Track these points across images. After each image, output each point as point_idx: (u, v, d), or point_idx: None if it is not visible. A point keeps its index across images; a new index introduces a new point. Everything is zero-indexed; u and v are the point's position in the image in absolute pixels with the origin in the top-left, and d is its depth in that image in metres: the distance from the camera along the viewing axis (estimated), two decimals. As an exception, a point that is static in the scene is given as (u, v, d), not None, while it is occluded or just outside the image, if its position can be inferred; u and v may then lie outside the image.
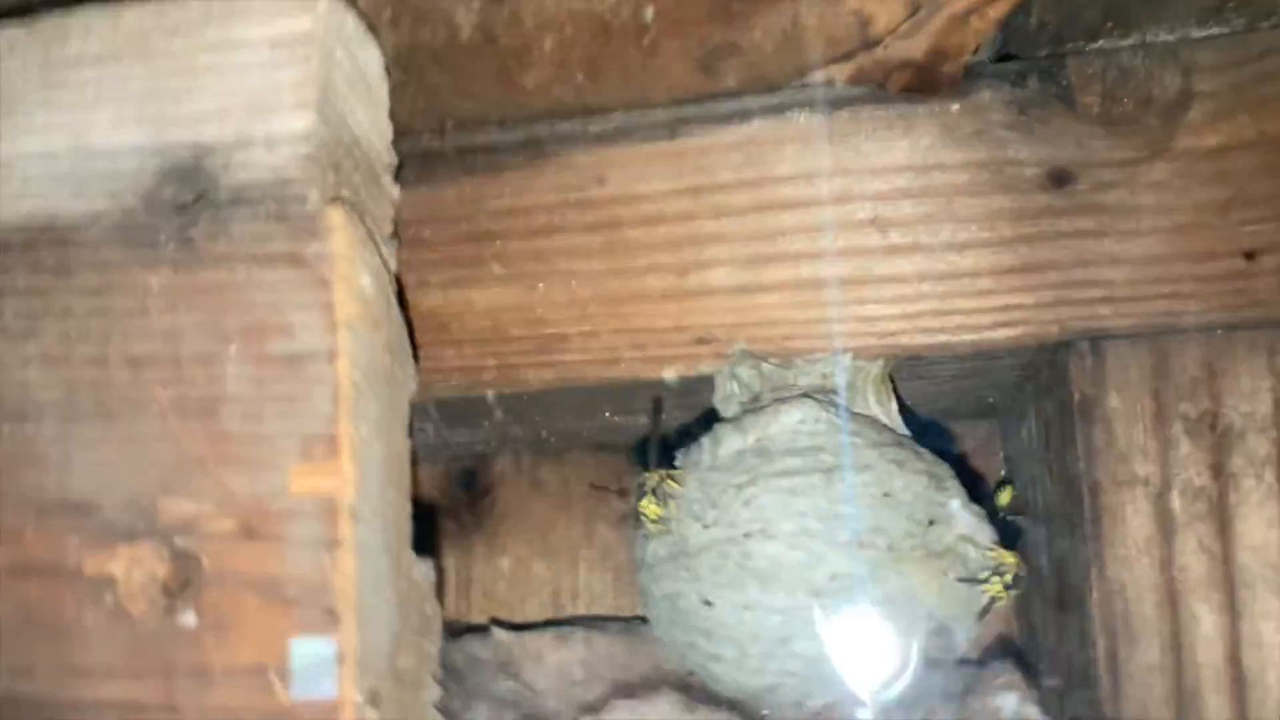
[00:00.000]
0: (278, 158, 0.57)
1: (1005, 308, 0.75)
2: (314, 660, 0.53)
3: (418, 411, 0.65)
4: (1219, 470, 0.71)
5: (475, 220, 0.82)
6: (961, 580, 0.67)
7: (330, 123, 0.58)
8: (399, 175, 0.80)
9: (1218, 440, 0.71)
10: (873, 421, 0.73)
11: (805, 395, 0.72)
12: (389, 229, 0.64)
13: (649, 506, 0.71)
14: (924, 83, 0.73)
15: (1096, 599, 0.71)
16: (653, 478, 0.72)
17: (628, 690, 0.84)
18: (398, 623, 0.59)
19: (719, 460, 0.72)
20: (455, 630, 1.08)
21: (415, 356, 0.65)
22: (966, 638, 0.69)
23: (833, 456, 0.67)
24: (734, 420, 0.73)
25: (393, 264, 0.64)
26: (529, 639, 1.00)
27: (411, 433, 0.63)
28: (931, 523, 0.67)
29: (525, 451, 1.17)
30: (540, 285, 0.81)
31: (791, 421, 0.70)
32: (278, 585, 0.54)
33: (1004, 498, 0.85)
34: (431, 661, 0.63)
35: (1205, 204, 0.73)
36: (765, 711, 0.71)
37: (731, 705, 0.81)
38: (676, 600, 0.69)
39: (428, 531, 1.15)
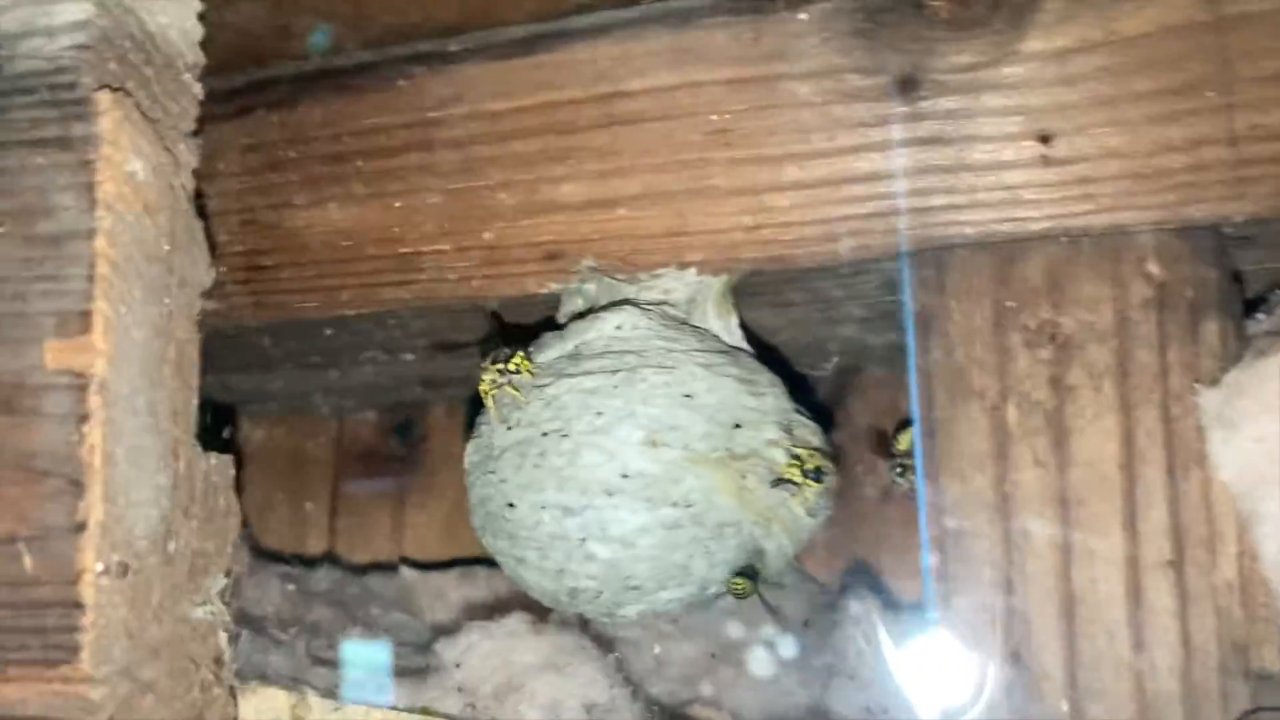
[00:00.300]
0: (55, 46, 0.58)
1: (847, 218, 0.73)
2: (57, 530, 0.54)
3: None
4: (1057, 382, 0.68)
5: (338, 141, 0.83)
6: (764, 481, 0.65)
7: (112, 14, 0.59)
8: (268, 97, 0.81)
9: (1057, 352, 0.69)
10: (700, 331, 0.72)
11: (629, 303, 0.71)
12: (189, 125, 0.65)
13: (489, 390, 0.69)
14: (760, -14, 0.72)
15: (930, 515, 0.69)
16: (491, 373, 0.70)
17: (484, 612, 0.83)
18: (169, 507, 0.59)
19: (537, 366, 0.71)
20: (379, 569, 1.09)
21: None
22: (781, 549, 0.67)
23: (639, 359, 0.66)
24: (559, 329, 0.72)
25: (192, 160, 0.64)
26: (434, 577, 1.01)
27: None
28: (737, 425, 0.66)
29: (459, 402, 1.18)
30: (397, 204, 0.81)
31: (609, 328, 0.69)
32: (30, 458, 0.55)
33: (904, 441, 0.83)
34: (223, 554, 0.64)
35: (1050, 108, 0.70)
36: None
37: (583, 625, 0.80)
38: (486, 504, 0.68)
39: (362, 474, 1.17)
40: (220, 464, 0.64)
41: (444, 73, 0.81)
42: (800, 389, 0.79)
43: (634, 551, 0.64)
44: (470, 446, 0.70)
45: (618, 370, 0.66)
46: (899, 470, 0.77)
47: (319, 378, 1.11)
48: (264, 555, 1.03)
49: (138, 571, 0.56)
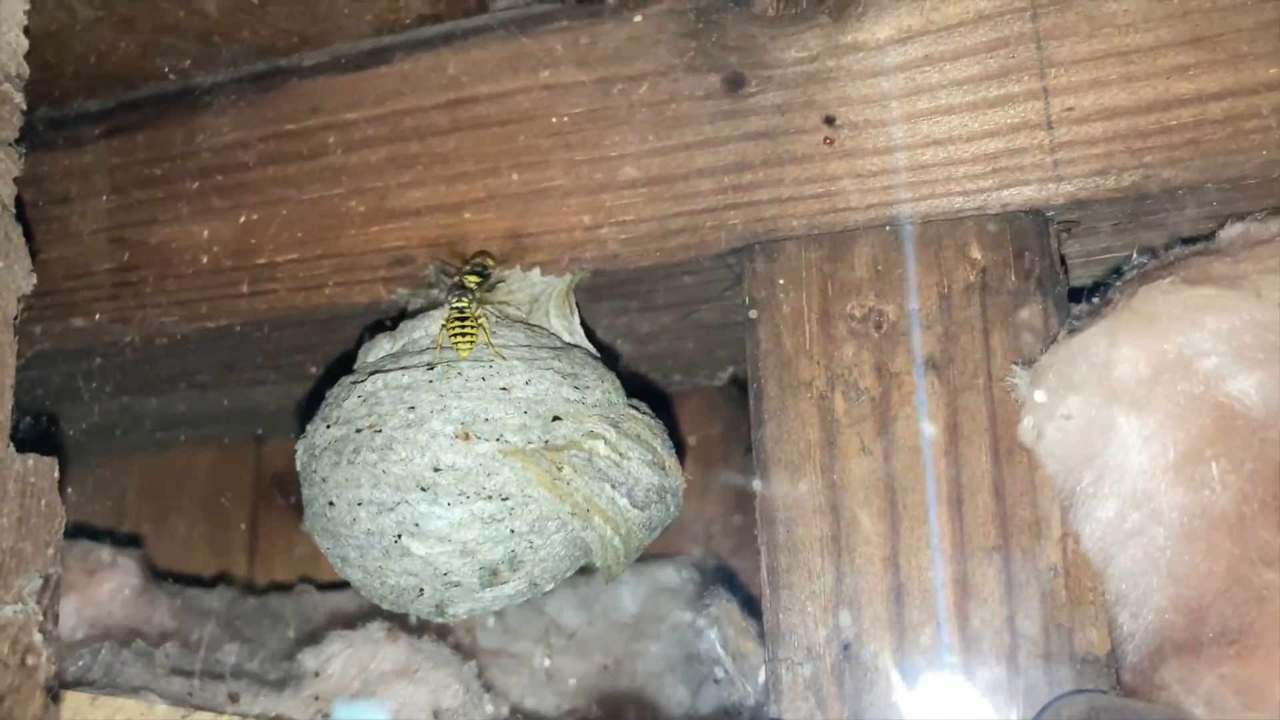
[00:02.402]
0: None
1: (681, 214, 0.73)
2: None
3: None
4: (882, 370, 0.68)
5: (199, 156, 0.84)
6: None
7: (-79, 25, 0.61)
8: (134, 117, 0.83)
9: (882, 340, 0.68)
10: (534, 329, 0.72)
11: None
12: (9, 133, 0.66)
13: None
14: (586, -12, 0.73)
15: (760, 507, 0.69)
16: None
17: (347, 621, 0.83)
18: (-25, 505, 0.60)
19: (364, 364, 0.72)
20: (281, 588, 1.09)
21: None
22: (606, 541, 0.67)
23: (456, 354, 0.67)
24: (391, 329, 0.73)
25: (13, 168, 0.66)
26: (332, 596, 1.00)
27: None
28: (556, 418, 0.66)
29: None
30: (254, 216, 0.82)
31: (435, 326, 0.70)
32: None
33: None
34: (41, 555, 0.64)
35: (872, 98, 0.70)
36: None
37: (440, 633, 0.80)
38: (312, 504, 0.69)
39: (281, 495, 1.17)
40: (41, 466, 0.65)
41: (298, 86, 0.82)
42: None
43: (450, 546, 0.64)
44: (299, 446, 0.70)
45: (434, 365, 0.66)
46: None
47: (231, 398, 1.12)
48: (159, 574, 1.03)
49: (-69, 568, 0.56)
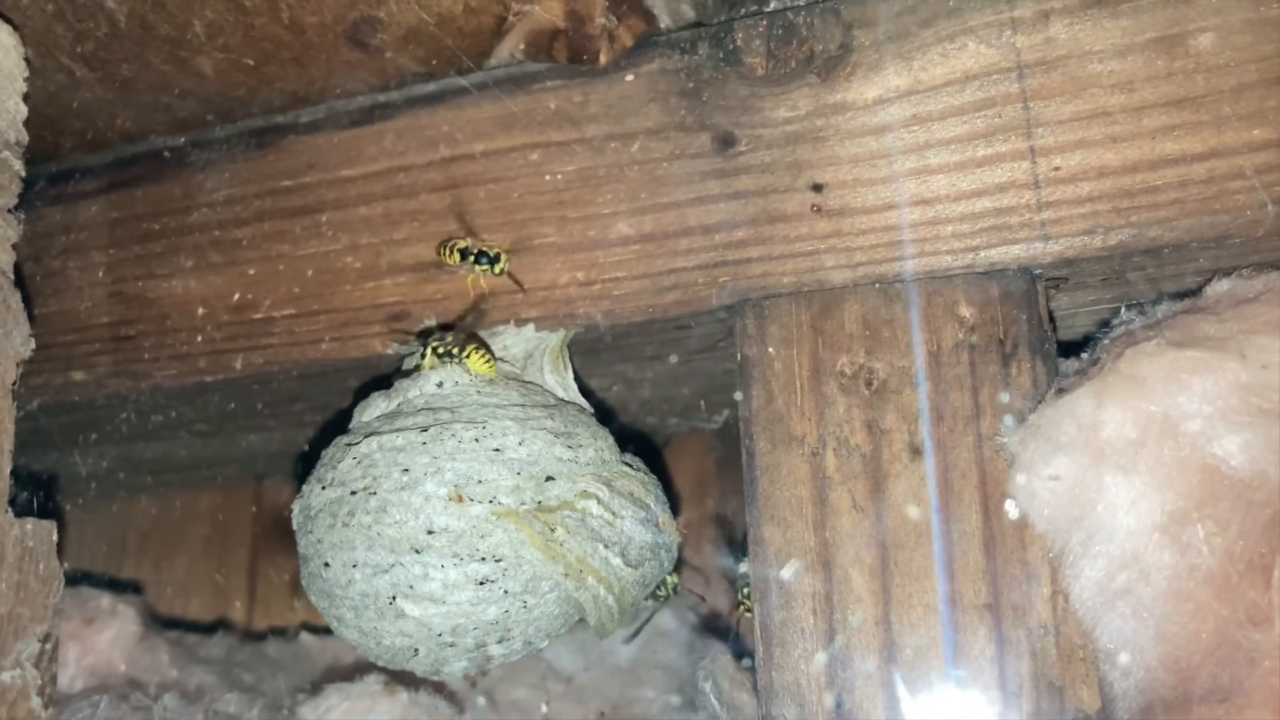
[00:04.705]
0: None
1: (673, 271, 0.74)
2: None
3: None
4: (873, 427, 0.69)
5: (196, 212, 0.85)
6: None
7: (-80, 97, 0.62)
8: (133, 173, 0.84)
9: (872, 397, 0.69)
10: (528, 386, 0.73)
11: (455, 359, 0.72)
12: (8, 200, 0.67)
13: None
14: (575, 51, 0.74)
15: (753, 563, 0.69)
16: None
17: (345, 674, 0.84)
18: (-29, 572, 0.60)
19: (359, 424, 0.72)
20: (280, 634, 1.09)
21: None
22: (599, 600, 0.67)
23: (451, 415, 0.67)
24: (387, 389, 0.73)
25: (11, 234, 0.66)
26: (330, 644, 1.01)
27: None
28: (550, 478, 0.66)
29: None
30: (251, 272, 0.83)
31: (430, 385, 0.71)
32: None
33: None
34: (40, 619, 0.65)
35: (860, 158, 0.71)
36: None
37: (437, 687, 0.80)
38: (308, 564, 0.69)
39: (279, 540, 1.18)
40: (39, 530, 0.65)
41: (295, 143, 0.83)
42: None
43: (444, 608, 0.65)
44: (295, 507, 0.71)
45: (428, 427, 0.67)
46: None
47: (230, 445, 1.13)
48: (158, 620, 1.03)
49: (-72, 637, 0.57)
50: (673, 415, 1.08)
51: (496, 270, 0.73)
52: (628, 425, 1.06)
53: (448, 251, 0.74)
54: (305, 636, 1.04)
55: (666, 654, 0.96)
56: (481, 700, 0.93)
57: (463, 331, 0.71)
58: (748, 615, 0.74)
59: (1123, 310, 0.70)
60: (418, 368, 0.73)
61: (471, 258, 0.73)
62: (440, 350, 0.71)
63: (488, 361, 0.69)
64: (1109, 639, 0.62)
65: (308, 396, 0.91)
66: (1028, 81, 0.69)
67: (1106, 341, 0.67)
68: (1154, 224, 0.66)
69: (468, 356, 0.70)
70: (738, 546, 0.85)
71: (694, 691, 0.78)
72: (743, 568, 0.76)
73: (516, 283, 0.74)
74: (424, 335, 0.76)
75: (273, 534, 1.22)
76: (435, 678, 0.69)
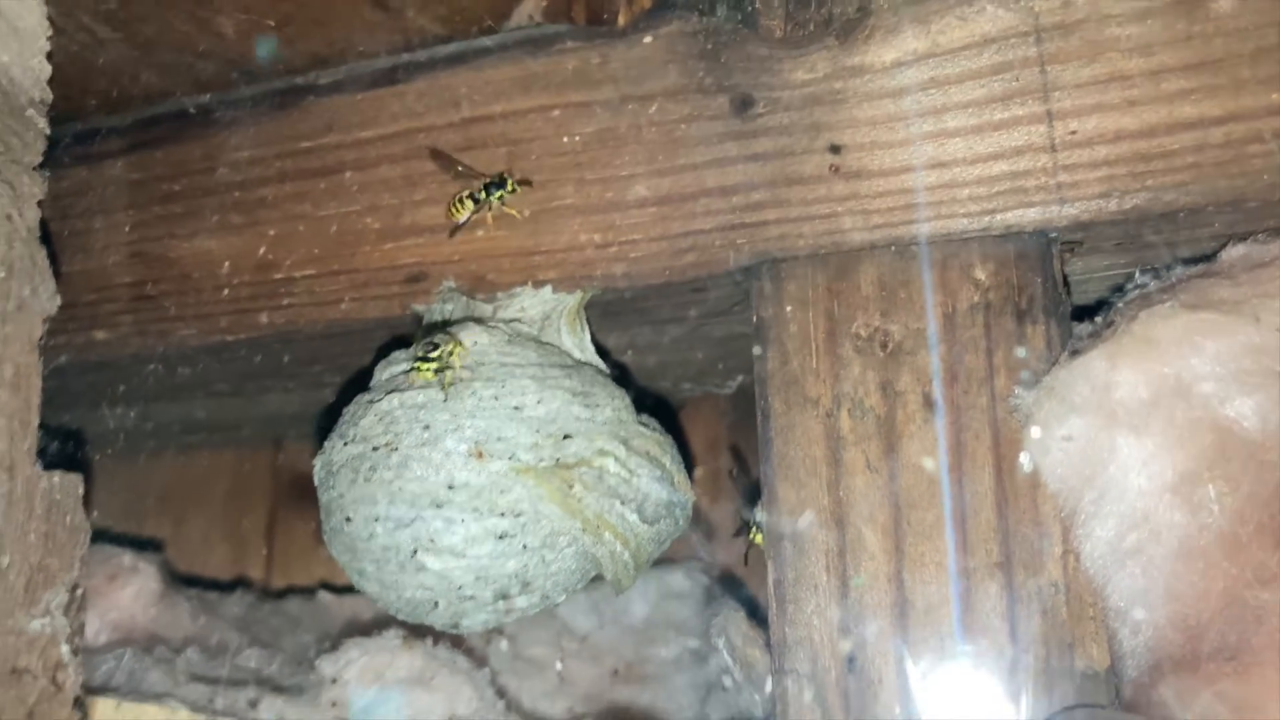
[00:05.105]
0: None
1: (690, 233, 0.74)
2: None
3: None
4: (888, 389, 0.69)
5: (216, 173, 0.86)
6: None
7: (-52, 53, 0.62)
8: (153, 134, 0.85)
9: (887, 359, 0.70)
10: (546, 347, 0.73)
11: (474, 320, 0.73)
12: (33, 159, 0.67)
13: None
14: (594, 12, 0.74)
15: (769, 522, 0.70)
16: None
17: (364, 628, 0.85)
18: (2, 522, 0.62)
19: (379, 382, 0.73)
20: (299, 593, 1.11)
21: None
22: (616, 555, 0.69)
23: (471, 373, 0.68)
24: (407, 347, 0.74)
25: (36, 191, 0.67)
26: (348, 601, 1.02)
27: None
28: (568, 436, 0.67)
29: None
30: (272, 232, 0.84)
31: (450, 346, 0.71)
32: None
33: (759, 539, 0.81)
34: (68, 570, 0.66)
35: (880, 120, 0.72)
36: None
37: (454, 641, 0.82)
38: (329, 519, 0.70)
39: (298, 500, 1.19)
40: (66, 483, 0.66)
41: (314, 105, 0.84)
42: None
43: (465, 562, 0.66)
44: (317, 462, 0.72)
45: (451, 383, 0.68)
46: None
47: (250, 406, 1.14)
48: (178, 578, 1.05)
49: (-39, 585, 0.58)
50: (686, 380, 1.09)
51: (510, 189, 0.73)
52: (643, 389, 1.07)
53: (458, 206, 0.75)
54: (323, 594, 1.05)
55: (680, 613, 0.98)
56: (505, 645, 0.94)
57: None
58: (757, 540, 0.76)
59: (1137, 274, 0.71)
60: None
61: (484, 193, 0.73)
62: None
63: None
64: (1119, 597, 0.63)
65: (327, 357, 0.92)
66: (1045, 45, 0.69)
67: (1121, 304, 0.67)
68: (1170, 188, 0.66)
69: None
70: (751, 486, 0.86)
71: (707, 648, 0.79)
72: (758, 514, 0.77)
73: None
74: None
75: (291, 496, 1.24)
76: (454, 631, 0.70)
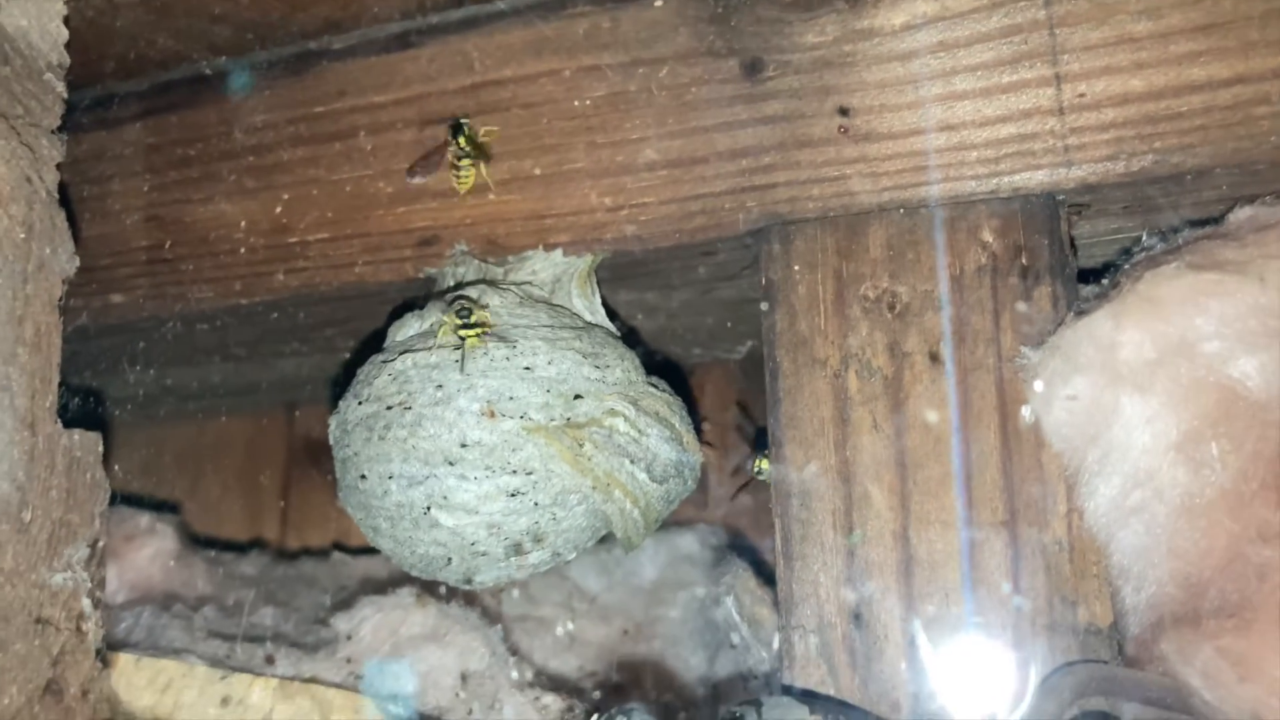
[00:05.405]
0: (-88, 47, 0.62)
1: (700, 196, 0.75)
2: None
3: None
4: (895, 350, 0.70)
5: (230, 138, 0.86)
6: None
7: (-34, 17, 0.63)
8: (169, 99, 0.85)
9: (895, 320, 0.70)
10: (556, 309, 0.74)
11: (486, 283, 0.74)
12: (52, 122, 0.68)
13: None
14: (606, -26, 0.74)
15: (776, 481, 0.71)
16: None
17: (378, 587, 0.87)
18: (24, 478, 0.63)
19: (393, 343, 0.74)
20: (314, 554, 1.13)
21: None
22: (626, 513, 0.70)
23: (482, 336, 0.69)
24: (419, 309, 0.75)
25: (55, 154, 0.68)
26: (362, 561, 1.04)
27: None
28: (578, 396, 0.68)
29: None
30: (286, 196, 0.85)
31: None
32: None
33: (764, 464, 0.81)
34: (88, 525, 0.67)
35: (889, 83, 0.72)
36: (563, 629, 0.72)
37: (467, 599, 0.83)
38: (344, 477, 0.71)
39: (312, 463, 1.21)
40: (86, 441, 0.68)
41: (327, 70, 0.85)
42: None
43: (477, 518, 0.67)
44: (332, 422, 0.73)
45: (460, 345, 0.69)
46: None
47: (264, 369, 1.15)
48: (195, 540, 1.07)
49: (-14, 539, 0.59)
50: (696, 345, 1.10)
51: (469, 132, 0.75)
52: (653, 353, 1.08)
53: (458, 172, 0.76)
54: (338, 554, 1.07)
55: (688, 575, 0.99)
56: (517, 601, 0.96)
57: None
58: (759, 477, 0.77)
59: (1144, 237, 0.71)
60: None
61: (455, 143, 0.75)
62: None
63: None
64: (1122, 555, 0.64)
65: (340, 320, 0.93)
66: (1054, 8, 0.69)
67: (1127, 266, 0.68)
68: (1178, 150, 0.66)
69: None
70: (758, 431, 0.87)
71: (715, 609, 0.80)
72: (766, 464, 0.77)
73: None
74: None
75: (305, 458, 1.25)
76: (466, 587, 0.71)
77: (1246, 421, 0.61)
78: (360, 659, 0.79)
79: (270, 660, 0.79)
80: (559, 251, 0.77)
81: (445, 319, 0.70)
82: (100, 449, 0.68)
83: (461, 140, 0.75)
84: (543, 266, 0.77)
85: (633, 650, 0.96)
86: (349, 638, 0.81)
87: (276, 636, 0.84)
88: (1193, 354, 0.61)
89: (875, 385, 0.70)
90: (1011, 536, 0.66)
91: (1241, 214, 0.68)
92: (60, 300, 0.67)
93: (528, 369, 0.67)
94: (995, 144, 0.69)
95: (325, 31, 0.84)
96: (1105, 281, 0.69)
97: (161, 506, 1.12)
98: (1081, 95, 0.68)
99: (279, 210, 0.84)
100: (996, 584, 0.66)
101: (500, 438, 0.66)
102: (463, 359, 0.67)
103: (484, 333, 0.69)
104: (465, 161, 0.75)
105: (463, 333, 0.67)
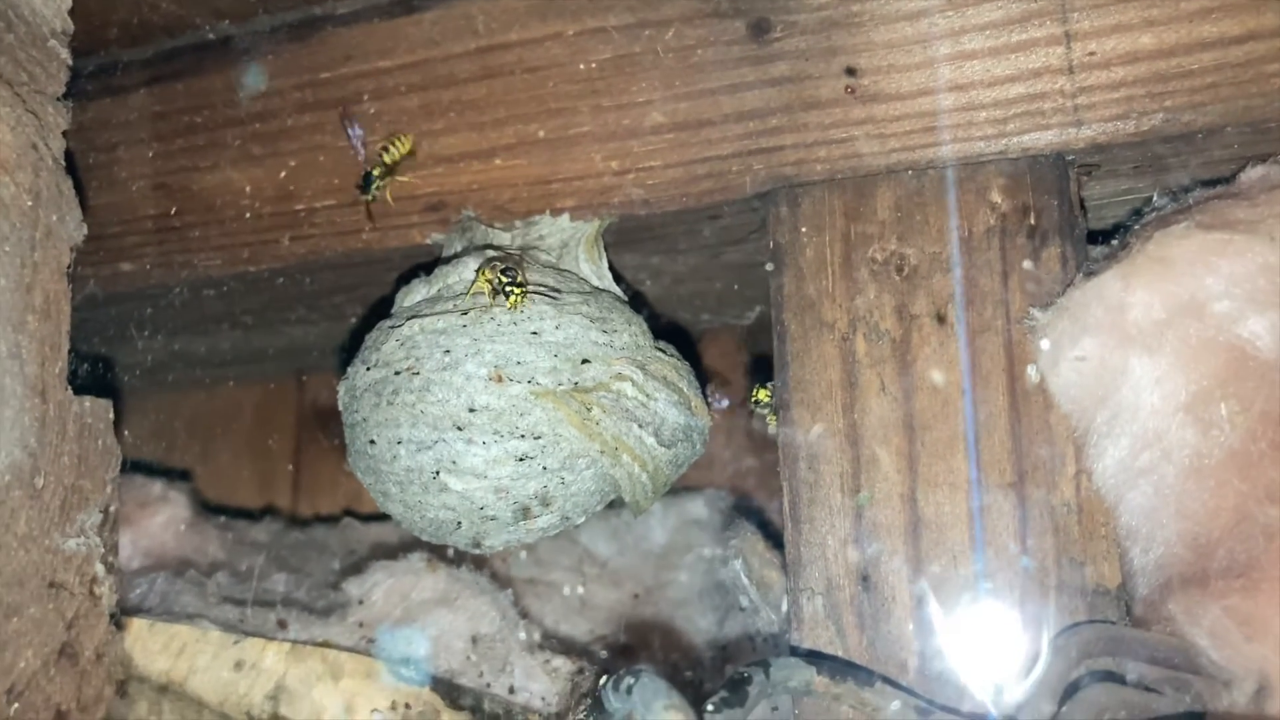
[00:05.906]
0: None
1: (707, 159, 0.75)
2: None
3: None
4: (903, 312, 0.70)
5: (237, 105, 0.86)
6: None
7: (-30, -16, 0.63)
8: (175, 67, 0.85)
9: (903, 283, 0.70)
10: (564, 274, 0.74)
11: (492, 248, 0.73)
12: (57, 89, 0.68)
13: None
14: (610, -64, 0.74)
15: (783, 443, 0.71)
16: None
17: (389, 552, 0.87)
18: (36, 444, 0.63)
19: (400, 309, 0.74)
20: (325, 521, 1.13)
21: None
22: (634, 477, 0.70)
23: (491, 300, 0.69)
24: (427, 275, 0.75)
25: (61, 121, 0.68)
26: (373, 527, 1.04)
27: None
28: (585, 361, 0.68)
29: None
30: (292, 163, 0.84)
31: (469, 272, 0.72)
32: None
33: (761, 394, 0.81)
34: (100, 491, 0.68)
35: (896, 43, 0.71)
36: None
37: (477, 563, 0.84)
38: (354, 442, 0.72)
39: (323, 430, 1.21)
40: (97, 408, 0.68)
41: (333, 35, 0.84)
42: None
43: (486, 482, 0.67)
44: (340, 388, 0.73)
45: (468, 310, 0.69)
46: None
47: (273, 337, 1.16)
48: (207, 507, 1.07)
49: (1, 502, 0.60)
50: (705, 310, 1.10)
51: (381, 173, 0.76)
52: (661, 318, 1.08)
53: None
54: (349, 520, 1.07)
55: (697, 539, 0.99)
56: (523, 555, 0.97)
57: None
58: (758, 409, 0.77)
59: (1155, 197, 0.71)
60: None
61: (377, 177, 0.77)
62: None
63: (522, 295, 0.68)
64: (1130, 516, 0.64)
65: (347, 286, 0.93)
66: (1065, -35, 0.68)
67: (1137, 227, 0.67)
68: (1188, 108, 0.66)
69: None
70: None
71: (723, 572, 0.80)
72: (764, 395, 0.77)
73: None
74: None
75: (315, 426, 1.26)
76: (476, 551, 0.72)
77: (1256, 382, 0.60)
78: (371, 623, 0.80)
79: (283, 625, 0.80)
80: (566, 216, 0.77)
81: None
82: (111, 415, 0.69)
83: (377, 172, 0.77)
84: (550, 231, 0.76)
85: (642, 613, 0.96)
86: (360, 602, 0.82)
87: (288, 601, 0.85)
88: (1202, 314, 0.61)
89: (883, 348, 0.70)
90: (1020, 498, 0.66)
91: (1253, 173, 0.67)
92: (69, 268, 0.67)
93: (535, 334, 0.67)
94: (1004, 104, 0.69)
95: (330, -3, 0.84)
96: (1115, 242, 0.68)
97: (173, 474, 1.13)
98: (1091, 53, 0.67)
99: (285, 176, 0.84)
100: (1004, 545, 0.66)
101: (508, 402, 0.66)
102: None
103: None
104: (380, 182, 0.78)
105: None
